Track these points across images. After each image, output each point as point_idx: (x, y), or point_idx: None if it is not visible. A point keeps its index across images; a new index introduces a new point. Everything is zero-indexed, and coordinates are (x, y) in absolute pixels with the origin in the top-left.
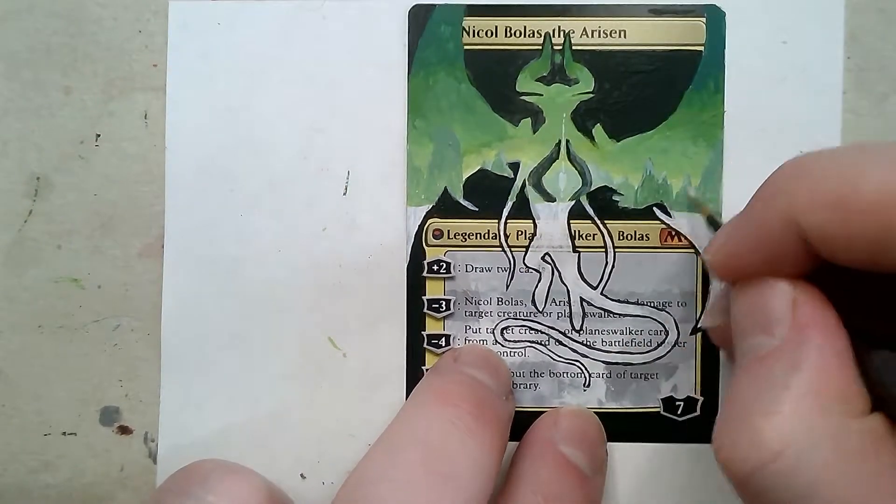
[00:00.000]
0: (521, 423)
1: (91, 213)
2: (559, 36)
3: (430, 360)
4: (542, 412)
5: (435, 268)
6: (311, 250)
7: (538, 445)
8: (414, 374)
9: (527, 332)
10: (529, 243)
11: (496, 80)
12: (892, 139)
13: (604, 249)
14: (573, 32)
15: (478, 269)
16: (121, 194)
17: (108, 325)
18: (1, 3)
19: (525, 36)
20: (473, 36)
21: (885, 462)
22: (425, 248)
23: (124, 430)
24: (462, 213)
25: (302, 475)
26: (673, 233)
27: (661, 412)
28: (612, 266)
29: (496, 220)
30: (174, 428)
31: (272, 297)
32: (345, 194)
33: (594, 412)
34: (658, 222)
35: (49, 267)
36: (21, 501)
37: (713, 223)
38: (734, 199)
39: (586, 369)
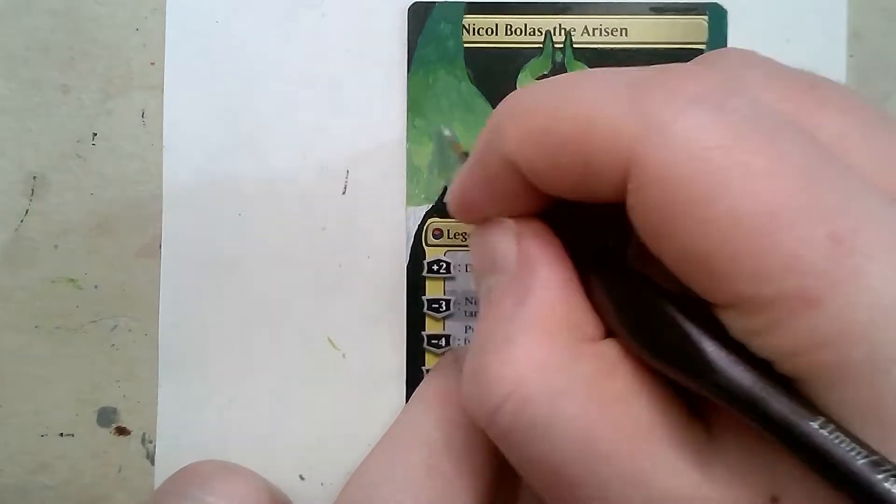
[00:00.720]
0: None
1: (88, 212)
2: (560, 34)
3: (430, 360)
4: None
5: (435, 268)
6: (311, 250)
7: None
8: (414, 375)
9: None
10: None
11: (497, 79)
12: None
13: None
14: (574, 30)
15: None
16: (118, 193)
17: (106, 326)
18: None
19: (526, 34)
20: (473, 34)
21: (619, 386)
22: (425, 247)
23: (122, 431)
24: None
25: (301, 476)
26: None
27: None
28: None
29: None
30: (172, 429)
31: (271, 297)
32: (344, 194)
33: None
34: None
35: (46, 267)
36: (18, 502)
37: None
38: None
39: None
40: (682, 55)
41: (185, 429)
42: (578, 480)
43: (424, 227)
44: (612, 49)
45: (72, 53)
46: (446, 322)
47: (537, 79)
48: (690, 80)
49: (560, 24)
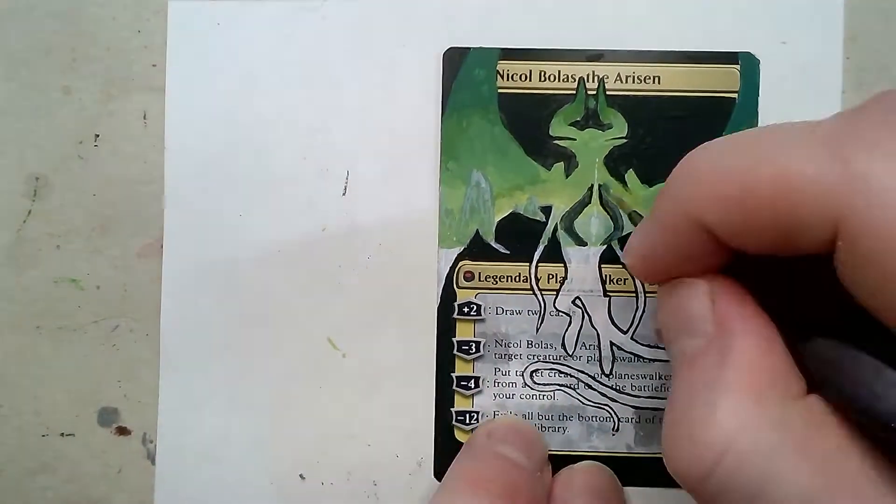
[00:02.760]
0: (557, 467)
1: (90, 213)
2: (593, 81)
3: (458, 401)
4: (571, 456)
5: (465, 310)
6: (311, 251)
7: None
8: (443, 415)
9: (556, 375)
10: (560, 287)
11: (530, 124)
12: None
13: (634, 294)
14: (607, 77)
15: (508, 312)
16: (120, 195)
17: (107, 326)
18: (0, 3)
19: (559, 80)
20: (507, 79)
21: (831, 442)
22: (456, 290)
23: (123, 431)
24: (493, 255)
25: (301, 476)
26: None
27: None
28: (643, 311)
29: (527, 264)
30: (173, 429)
31: (271, 298)
32: (344, 194)
33: (623, 457)
34: None
35: (48, 267)
36: (19, 502)
37: None
38: None
39: (615, 414)
40: (714, 103)
41: (185, 429)
42: None
43: (456, 270)
44: (645, 96)
45: (74, 55)
46: (476, 364)
47: (570, 125)
48: (884, 131)
49: (593, 71)
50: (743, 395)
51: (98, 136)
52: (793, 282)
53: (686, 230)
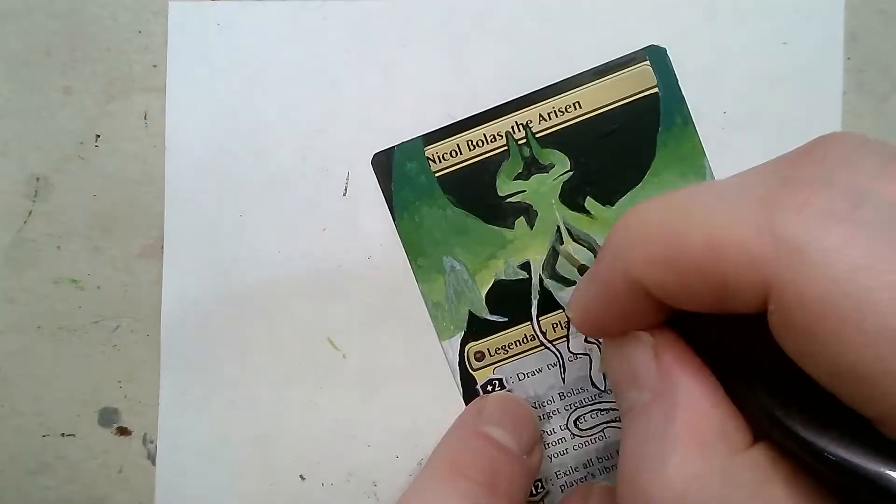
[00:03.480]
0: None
1: (91, 213)
2: (520, 130)
3: None
4: None
5: (490, 389)
6: (311, 251)
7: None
8: None
9: (598, 414)
10: (568, 331)
11: (478, 194)
12: (893, 140)
13: None
14: (531, 122)
15: (530, 374)
16: (120, 195)
17: (108, 326)
18: (0, 4)
19: (488, 142)
20: (439, 161)
21: (777, 493)
22: (472, 373)
23: (123, 432)
24: (494, 328)
25: (301, 476)
26: None
27: None
28: None
29: (528, 323)
30: (173, 429)
31: (272, 298)
32: (344, 195)
33: None
34: None
35: (48, 268)
36: (20, 502)
37: None
38: None
39: None
40: (640, 105)
41: (185, 429)
42: None
43: (465, 354)
44: (573, 125)
45: (74, 55)
46: None
47: (515, 179)
48: (814, 193)
49: (516, 122)
50: (688, 450)
51: (98, 136)
52: (732, 332)
53: (624, 289)
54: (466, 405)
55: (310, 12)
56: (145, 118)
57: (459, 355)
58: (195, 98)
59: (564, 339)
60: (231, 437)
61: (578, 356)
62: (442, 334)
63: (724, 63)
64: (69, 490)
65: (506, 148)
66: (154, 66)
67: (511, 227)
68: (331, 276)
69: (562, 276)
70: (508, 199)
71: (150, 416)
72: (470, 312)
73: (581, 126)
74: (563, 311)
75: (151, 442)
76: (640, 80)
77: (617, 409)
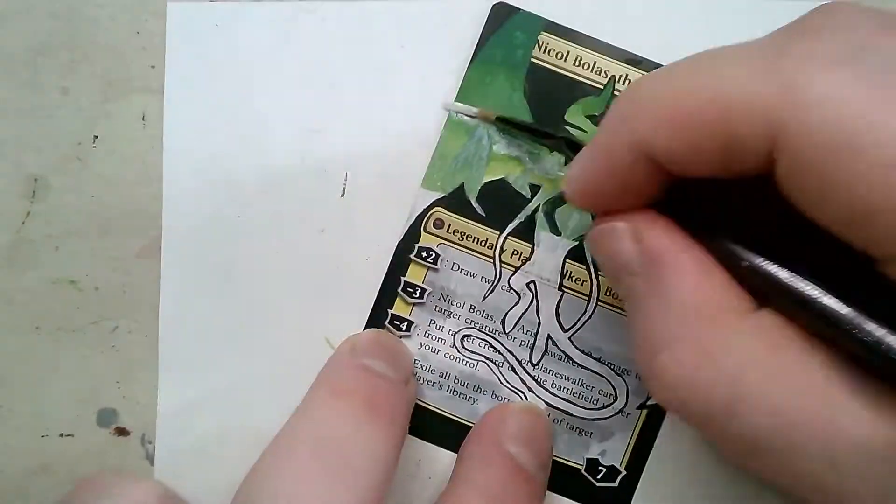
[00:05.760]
0: (457, 435)
1: (89, 214)
2: (624, 83)
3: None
4: (470, 428)
5: (423, 254)
6: (309, 252)
7: (484, 445)
8: None
9: (486, 347)
10: (520, 266)
11: (549, 102)
12: None
13: (587, 298)
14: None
15: (463, 272)
16: (118, 196)
17: (106, 327)
18: None
19: (592, 71)
20: (544, 52)
21: (791, 355)
22: (422, 232)
23: (121, 432)
24: (469, 213)
25: None
26: None
27: (582, 471)
28: (590, 317)
29: (498, 232)
30: (171, 429)
31: (270, 299)
32: (343, 196)
33: None
34: None
35: (47, 268)
36: (18, 502)
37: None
38: None
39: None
40: None
41: (184, 429)
42: (777, 447)
43: (428, 213)
44: None
45: (72, 56)
46: (414, 309)
47: (586, 116)
48: (819, 42)
49: (627, 74)
50: (694, 324)
51: (97, 137)
52: (730, 205)
53: (629, 157)
54: (393, 261)
55: (309, 13)
56: (143, 119)
57: (424, 209)
58: (194, 99)
59: (513, 269)
60: (230, 438)
61: (511, 291)
62: (425, 182)
63: None
64: (68, 490)
65: (601, 87)
66: (152, 66)
67: (551, 150)
68: (328, 277)
69: (554, 221)
70: (567, 127)
71: (149, 417)
72: (461, 185)
73: None
74: (532, 245)
75: (150, 442)
76: None
77: (502, 356)
